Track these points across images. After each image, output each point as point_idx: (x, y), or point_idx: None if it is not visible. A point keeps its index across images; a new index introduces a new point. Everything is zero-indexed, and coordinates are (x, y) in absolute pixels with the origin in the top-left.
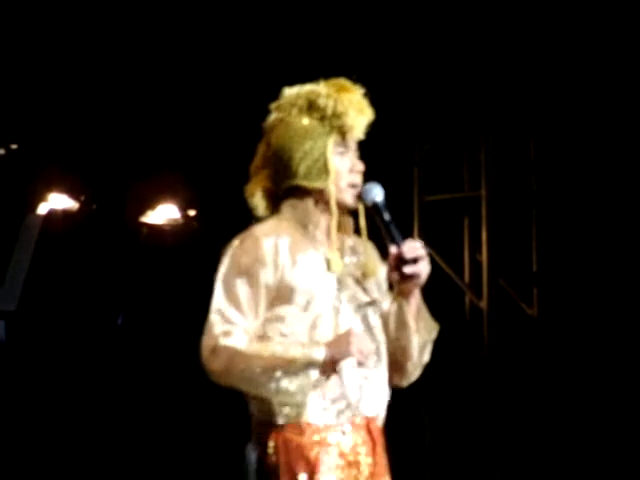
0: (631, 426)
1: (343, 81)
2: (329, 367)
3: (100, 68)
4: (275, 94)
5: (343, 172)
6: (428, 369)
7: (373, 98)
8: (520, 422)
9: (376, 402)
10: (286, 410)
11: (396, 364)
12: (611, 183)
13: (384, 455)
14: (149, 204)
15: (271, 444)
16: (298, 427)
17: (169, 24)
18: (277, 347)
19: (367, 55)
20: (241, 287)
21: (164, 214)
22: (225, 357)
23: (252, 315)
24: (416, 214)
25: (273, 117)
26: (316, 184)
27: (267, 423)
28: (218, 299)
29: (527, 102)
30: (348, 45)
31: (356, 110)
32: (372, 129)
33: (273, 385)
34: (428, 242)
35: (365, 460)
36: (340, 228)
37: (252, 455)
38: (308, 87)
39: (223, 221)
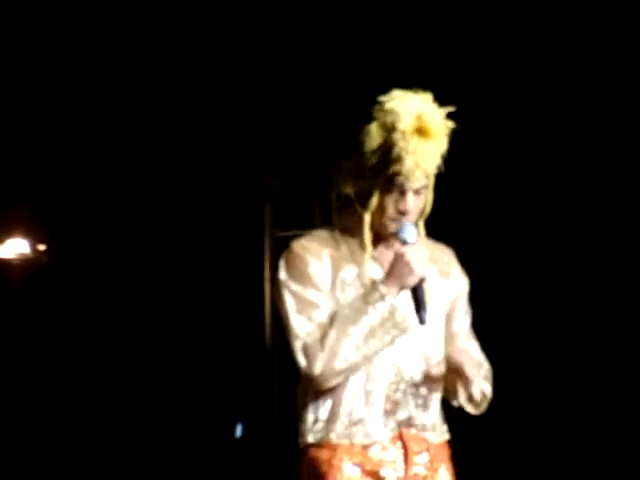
0: None
1: (432, 124)
2: (398, 291)
3: None
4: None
5: (387, 209)
6: (276, 404)
7: (228, 131)
8: None
9: (416, 415)
10: (316, 428)
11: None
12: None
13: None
14: None
15: (303, 457)
16: (325, 445)
17: None
18: (347, 319)
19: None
20: (303, 288)
21: (13, 248)
22: (321, 357)
23: (326, 303)
24: (267, 250)
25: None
26: (358, 207)
27: (300, 437)
28: (290, 310)
29: None
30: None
31: (414, 162)
32: (225, 163)
33: (375, 343)
34: None
35: (393, 476)
36: (390, 239)
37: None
38: (402, 106)
39: (74, 256)
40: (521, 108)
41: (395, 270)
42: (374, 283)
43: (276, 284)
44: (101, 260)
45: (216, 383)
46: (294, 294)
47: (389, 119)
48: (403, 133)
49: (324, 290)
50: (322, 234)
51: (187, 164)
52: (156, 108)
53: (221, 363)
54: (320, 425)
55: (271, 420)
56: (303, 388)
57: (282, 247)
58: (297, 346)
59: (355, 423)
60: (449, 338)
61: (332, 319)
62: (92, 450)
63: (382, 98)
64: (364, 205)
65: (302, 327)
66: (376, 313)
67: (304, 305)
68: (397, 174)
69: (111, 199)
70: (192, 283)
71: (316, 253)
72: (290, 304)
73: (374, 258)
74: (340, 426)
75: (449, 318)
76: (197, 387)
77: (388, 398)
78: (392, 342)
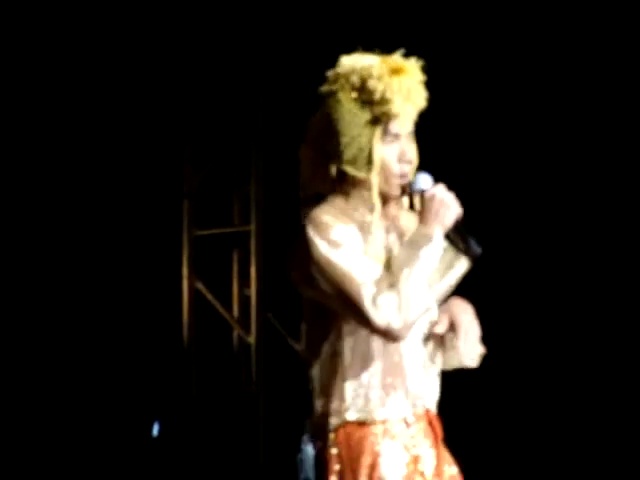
0: None
1: (399, 61)
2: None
3: None
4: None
5: (391, 161)
6: (194, 404)
7: (147, 127)
8: (287, 457)
9: (432, 392)
10: (356, 405)
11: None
12: None
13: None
14: None
15: (332, 437)
16: (361, 421)
17: None
18: (405, 266)
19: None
20: (345, 250)
21: None
22: (398, 306)
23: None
24: (185, 248)
25: (327, 88)
26: (361, 173)
27: (330, 418)
28: (339, 275)
29: (298, 137)
30: None
31: (404, 98)
32: (144, 160)
33: (441, 286)
34: (197, 277)
35: (428, 453)
36: (390, 210)
37: (309, 448)
38: (365, 61)
39: None
40: (516, 106)
41: (430, 212)
42: (414, 231)
43: (317, 257)
44: (16, 256)
45: (133, 382)
46: (341, 256)
47: (354, 78)
48: (379, 77)
49: (365, 249)
50: (334, 207)
51: (106, 161)
52: (74, 102)
53: (138, 362)
54: (361, 402)
55: (189, 419)
56: (330, 367)
57: (200, 245)
58: (366, 304)
59: (390, 399)
60: None
61: (390, 272)
62: (3, 450)
63: (334, 69)
64: (364, 167)
65: (364, 284)
66: (431, 251)
67: (356, 263)
68: (390, 118)
69: (26, 194)
70: (109, 280)
71: (342, 220)
72: (341, 267)
73: (386, 228)
74: (378, 402)
75: None
76: (114, 386)
77: (415, 373)
78: (459, 275)
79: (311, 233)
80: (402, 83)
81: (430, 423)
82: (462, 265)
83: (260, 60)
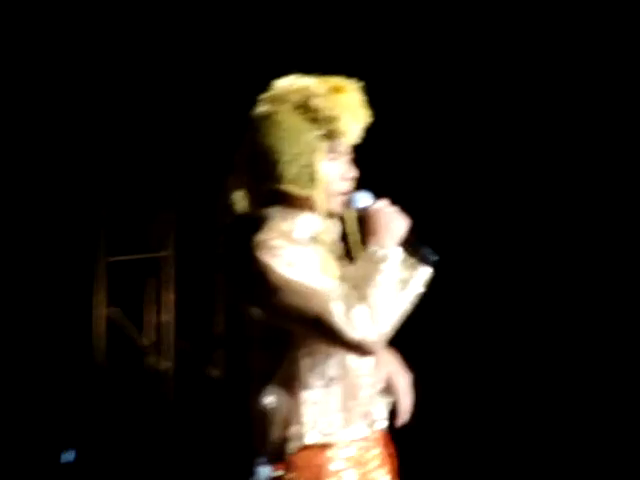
0: None
1: (340, 80)
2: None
3: None
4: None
5: (333, 179)
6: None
7: (62, 153)
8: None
9: (384, 412)
10: (315, 429)
11: None
12: None
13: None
14: None
15: (291, 461)
16: (321, 444)
17: None
18: (366, 281)
19: None
20: (302, 269)
21: None
22: (370, 319)
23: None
24: (100, 275)
25: (263, 109)
26: (304, 191)
27: (289, 442)
28: (308, 298)
29: (216, 164)
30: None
31: (351, 114)
32: (59, 187)
33: (408, 295)
34: (112, 303)
35: (385, 475)
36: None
37: (265, 470)
38: (302, 82)
39: None
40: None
41: (380, 226)
42: (365, 250)
43: (275, 280)
44: None
45: (45, 408)
46: (300, 275)
47: (295, 97)
48: (323, 95)
49: (317, 267)
50: (274, 230)
51: (21, 188)
52: None
53: (51, 388)
54: (320, 425)
55: (102, 445)
56: (287, 391)
57: (114, 271)
58: (337, 320)
59: (345, 422)
60: None
61: (355, 287)
62: None
63: (269, 92)
64: (307, 184)
65: (331, 300)
66: (390, 264)
67: (316, 280)
68: (337, 135)
69: None
70: (23, 306)
71: (288, 241)
72: (303, 285)
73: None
74: (338, 425)
75: None
76: (24, 411)
77: (372, 394)
78: (424, 283)
79: (264, 258)
80: (346, 100)
81: (385, 445)
82: (424, 274)
83: (175, 93)
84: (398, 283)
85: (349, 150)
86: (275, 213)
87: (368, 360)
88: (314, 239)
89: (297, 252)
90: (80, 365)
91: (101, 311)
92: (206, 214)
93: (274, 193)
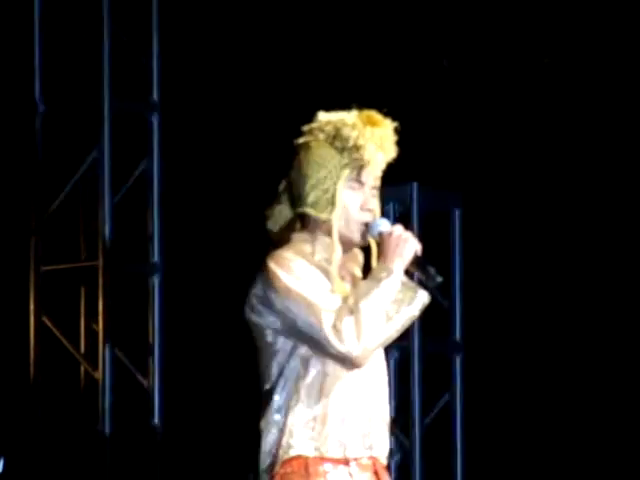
0: None
1: (373, 113)
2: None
3: None
4: None
5: (352, 207)
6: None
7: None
8: None
9: (384, 443)
10: (308, 441)
11: None
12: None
13: None
14: None
15: (283, 471)
16: (305, 460)
17: None
18: (365, 298)
19: None
20: (305, 281)
21: None
22: (357, 334)
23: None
24: (32, 284)
25: (302, 139)
26: (322, 215)
27: (281, 451)
28: (303, 307)
29: (146, 172)
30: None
31: (376, 145)
32: None
33: (401, 318)
34: (45, 312)
35: None
36: (348, 261)
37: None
38: (340, 115)
39: None
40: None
41: (390, 248)
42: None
43: (279, 287)
44: None
45: None
46: (302, 286)
47: (329, 127)
48: (353, 125)
49: (324, 284)
50: (295, 249)
51: None
52: None
53: None
54: (313, 438)
55: (34, 455)
56: (285, 403)
57: (47, 280)
58: (326, 331)
59: (340, 437)
60: None
61: (350, 302)
62: None
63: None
64: (326, 208)
65: (325, 311)
66: (391, 283)
67: (316, 293)
68: (362, 165)
69: None
70: None
71: (304, 258)
72: (302, 295)
73: (342, 276)
74: (327, 439)
75: None
76: None
77: (371, 420)
78: (419, 307)
79: (273, 266)
80: (375, 132)
81: (376, 473)
82: (422, 299)
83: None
84: (394, 303)
85: (374, 183)
86: (299, 236)
87: (376, 388)
88: (329, 263)
89: (307, 269)
90: (13, 374)
91: (34, 320)
92: (136, 221)
93: (301, 217)
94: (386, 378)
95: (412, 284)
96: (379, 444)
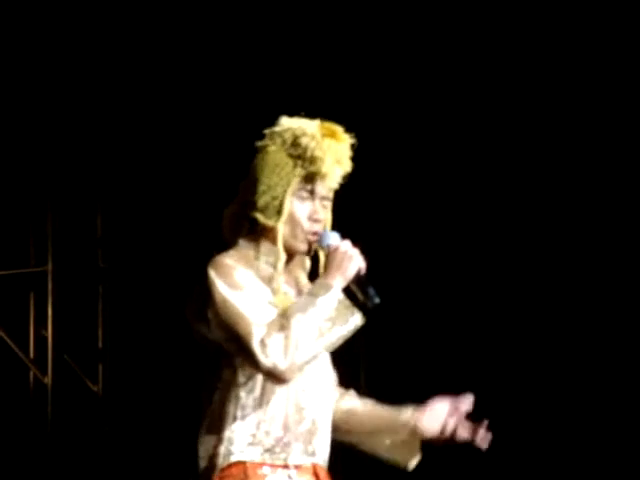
0: None
1: (336, 127)
2: (344, 283)
3: None
4: None
5: (301, 217)
6: None
7: None
8: None
9: (325, 447)
10: (240, 449)
11: None
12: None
13: None
14: None
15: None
16: (244, 465)
17: None
18: (299, 312)
19: None
20: (243, 292)
21: None
22: (284, 350)
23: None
24: None
25: (261, 143)
26: (269, 221)
27: (218, 458)
28: (234, 314)
29: (93, 177)
30: None
31: (333, 159)
32: None
33: (336, 330)
34: None
35: None
36: (293, 266)
37: None
38: (302, 122)
39: None
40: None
41: (333, 264)
42: (315, 280)
43: (215, 297)
44: None
45: None
46: (239, 297)
47: (288, 134)
48: (312, 136)
49: (264, 294)
50: (239, 252)
51: None
52: None
53: None
54: (253, 444)
55: None
56: (224, 409)
57: None
58: (254, 344)
59: (281, 444)
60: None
61: (283, 316)
62: None
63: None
64: (273, 216)
65: (255, 325)
66: (327, 300)
67: (252, 305)
68: (318, 177)
69: None
70: None
71: (244, 265)
72: (236, 307)
73: (287, 282)
74: (268, 445)
75: None
76: None
77: (316, 425)
78: (352, 328)
79: (212, 274)
80: (333, 145)
81: (316, 475)
82: (356, 319)
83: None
84: (328, 320)
85: (327, 194)
86: (245, 240)
87: (320, 391)
88: (274, 267)
89: (247, 278)
90: None
91: None
92: (86, 226)
93: (251, 221)
94: (332, 382)
95: (348, 303)
96: (321, 450)
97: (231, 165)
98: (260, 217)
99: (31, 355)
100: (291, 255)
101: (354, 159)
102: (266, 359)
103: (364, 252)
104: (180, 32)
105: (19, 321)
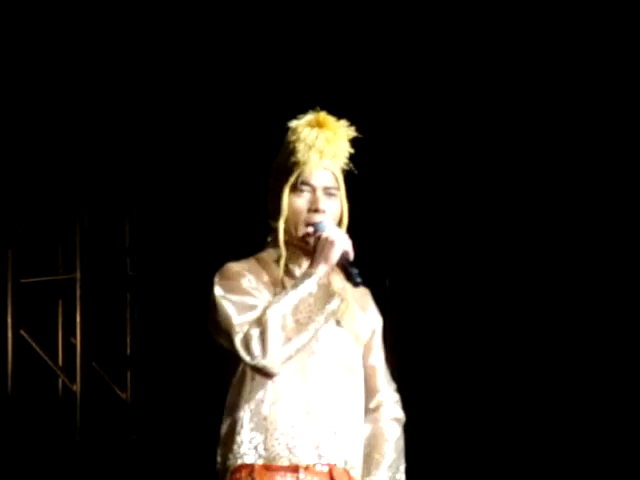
0: None
1: (325, 117)
2: (328, 269)
3: None
4: None
5: (299, 209)
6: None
7: None
8: None
9: (342, 448)
10: (254, 449)
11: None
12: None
13: None
14: None
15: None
16: (252, 468)
17: None
18: (278, 300)
19: None
20: (237, 295)
21: None
22: (262, 342)
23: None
24: (10, 296)
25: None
26: (274, 224)
27: (229, 461)
28: (229, 315)
29: (122, 186)
30: None
31: (313, 148)
32: None
33: (314, 316)
34: (22, 325)
35: None
36: (296, 274)
37: None
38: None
39: None
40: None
41: (316, 252)
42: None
43: (212, 299)
44: None
45: None
46: (229, 301)
47: (288, 134)
48: (295, 129)
49: (261, 297)
50: (256, 258)
51: None
52: None
53: None
54: (260, 445)
55: (12, 468)
56: (233, 409)
57: (25, 293)
58: (237, 342)
59: (290, 446)
60: (369, 369)
61: (263, 311)
62: None
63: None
64: (276, 216)
65: (238, 325)
66: (306, 286)
67: (241, 308)
68: (297, 167)
69: None
70: None
71: (249, 271)
72: (224, 310)
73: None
74: (278, 447)
75: (367, 349)
76: None
77: (326, 426)
78: (333, 314)
79: (215, 278)
80: (312, 133)
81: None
82: (333, 305)
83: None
84: (305, 310)
85: (327, 183)
86: (269, 247)
87: (330, 390)
88: (278, 273)
89: (247, 281)
90: None
91: (11, 333)
92: (113, 235)
93: (273, 229)
94: (352, 385)
95: (329, 290)
96: (339, 452)
97: (260, 175)
98: (270, 222)
99: (60, 363)
100: (304, 251)
101: (359, 157)
102: (248, 356)
103: (375, 254)
104: (208, 52)
105: (48, 329)
